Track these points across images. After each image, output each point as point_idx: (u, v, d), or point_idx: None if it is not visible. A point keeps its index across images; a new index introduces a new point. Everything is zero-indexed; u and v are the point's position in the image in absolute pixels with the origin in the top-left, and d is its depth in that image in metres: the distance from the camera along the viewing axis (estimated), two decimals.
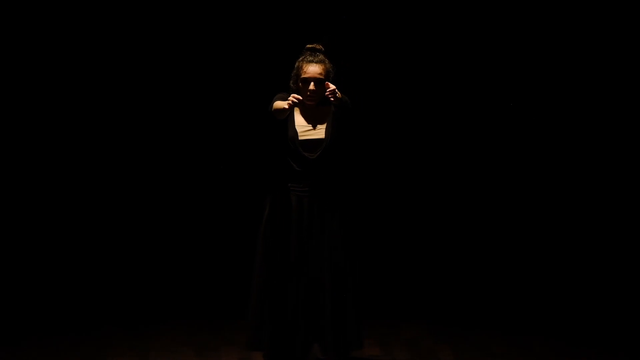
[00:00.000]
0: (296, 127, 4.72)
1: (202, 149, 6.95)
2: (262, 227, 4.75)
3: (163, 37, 6.85)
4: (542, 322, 6.24)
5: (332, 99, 4.55)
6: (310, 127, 4.72)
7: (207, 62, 6.88)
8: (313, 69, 4.68)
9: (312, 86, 4.66)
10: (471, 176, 7.13)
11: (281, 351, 4.67)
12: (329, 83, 4.63)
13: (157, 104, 6.90)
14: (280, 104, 4.60)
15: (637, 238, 6.92)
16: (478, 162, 7.12)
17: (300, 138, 4.69)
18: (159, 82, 6.88)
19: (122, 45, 6.81)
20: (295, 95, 4.53)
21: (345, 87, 6.94)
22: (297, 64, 4.76)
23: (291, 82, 4.77)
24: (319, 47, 4.82)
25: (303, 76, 4.68)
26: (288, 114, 4.63)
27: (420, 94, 7.10)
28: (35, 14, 6.67)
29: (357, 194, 6.49)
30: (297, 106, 4.61)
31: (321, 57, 4.76)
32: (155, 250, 6.93)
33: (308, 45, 4.82)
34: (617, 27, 6.89)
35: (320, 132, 4.71)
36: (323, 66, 4.73)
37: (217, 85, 6.91)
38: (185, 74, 6.88)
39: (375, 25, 7.00)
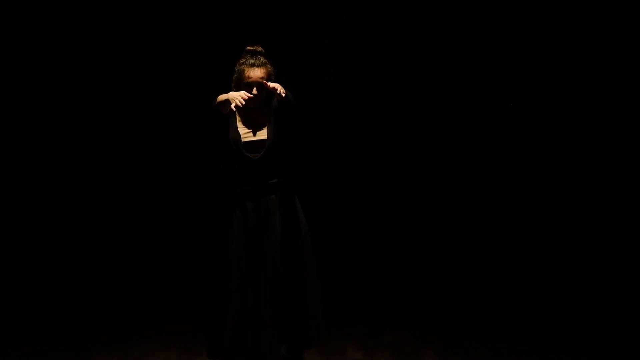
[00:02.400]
0: (238, 129, 4.65)
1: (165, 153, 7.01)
2: (216, 232, 4.73)
3: (161, 39, 6.92)
4: (525, 327, 6.21)
5: (279, 98, 4.48)
6: (252, 129, 4.65)
7: (199, 65, 6.93)
8: (255, 74, 4.59)
9: (255, 91, 4.58)
10: (461, 179, 7.11)
11: (243, 355, 4.65)
12: (268, 83, 4.52)
13: (154, 108, 6.96)
14: (224, 96, 4.53)
15: (622, 245, 6.85)
16: (472, 163, 7.10)
17: (243, 140, 4.64)
18: (156, 84, 6.94)
19: (119, 48, 6.89)
20: (247, 94, 4.47)
21: (345, 87, 7.04)
22: (237, 67, 4.66)
23: (232, 85, 4.67)
24: (259, 49, 4.70)
25: (246, 81, 4.59)
26: (229, 109, 4.53)
27: (420, 94, 7.09)
28: (35, 14, 6.77)
29: (304, 190, 6.49)
30: (239, 109, 4.58)
31: (262, 59, 4.66)
32: (137, 255, 6.98)
33: (248, 47, 4.70)
34: (617, 27, 6.82)
35: (262, 133, 4.64)
36: (265, 69, 4.63)
37: (209, 87, 6.95)
38: (179, 76, 6.94)
39: (375, 25, 7.00)
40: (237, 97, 4.47)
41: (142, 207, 6.97)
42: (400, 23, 7.00)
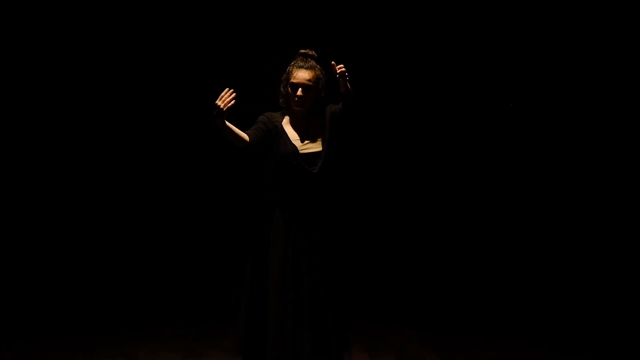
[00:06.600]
0: (293, 141, 4.62)
1: (189, 156, 6.97)
2: (254, 238, 4.67)
3: (162, 39, 6.89)
4: (529, 328, 6.23)
5: (340, 79, 4.42)
6: (306, 140, 4.64)
7: (201, 64, 6.90)
8: (302, 75, 4.60)
9: (299, 92, 4.58)
10: (462, 179, 7.10)
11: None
12: (335, 64, 4.41)
13: (156, 107, 6.93)
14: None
15: (621, 245, 6.87)
16: (473, 164, 7.10)
17: (300, 152, 4.61)
18: (157, 84, 6.91)
19: (119, 47, 6.86)
20: (226, 95, 4.35)
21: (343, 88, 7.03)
22: (288, 68, 4.67)
23: (281, 86, 4.70)
24: (311, 52, 4.71)
25: (292, 81, 4.61)
26: (225, 127, 4.41)
27: (420, 94, 7.09)
28: (35, 14, 6.74)
29: (351, 205, 6.52)
30: (290, 120, 4.60)
31: (312, 63, 4.66)
32: (140, 257, 6.92)
33: (301, 50, 4.72)
34: (617, 27, 6.83)
35: (317, 144, 4.64)
36: (313, 72, 4.62)
37: (211, 87, 6.92)
38: (181, 75, 6.91)
39: (375, 25, 6.99)
40: (220, 98, 4.38)
41: (146, 208, 6.94)
42: (400, 23, 6.99)
